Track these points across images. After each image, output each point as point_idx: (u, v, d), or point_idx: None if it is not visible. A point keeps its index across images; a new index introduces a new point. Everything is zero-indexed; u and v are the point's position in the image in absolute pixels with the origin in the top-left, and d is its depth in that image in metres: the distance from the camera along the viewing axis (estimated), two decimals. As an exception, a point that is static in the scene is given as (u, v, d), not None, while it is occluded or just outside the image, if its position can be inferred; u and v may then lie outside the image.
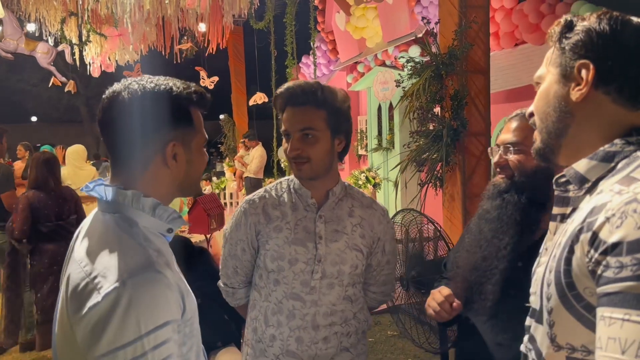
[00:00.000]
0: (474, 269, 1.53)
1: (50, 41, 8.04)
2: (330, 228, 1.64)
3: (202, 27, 8.56)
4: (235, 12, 7.94)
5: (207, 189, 8.18)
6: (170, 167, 1.06)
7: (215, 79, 9.08)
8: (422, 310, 3.20)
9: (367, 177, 6.20)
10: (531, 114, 1.01)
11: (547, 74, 0.96)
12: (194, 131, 1.11)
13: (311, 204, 1.65)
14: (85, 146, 9.78)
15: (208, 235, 4.58)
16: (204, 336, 2.50)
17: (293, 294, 1.61)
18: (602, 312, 0.76)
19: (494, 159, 1.56)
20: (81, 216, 4.04)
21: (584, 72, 0.89)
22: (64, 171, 6.19)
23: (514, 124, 1.55)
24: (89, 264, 0.96)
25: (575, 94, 0.90)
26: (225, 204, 9.03)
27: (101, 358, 0.89)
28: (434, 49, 4.16)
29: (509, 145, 1.53)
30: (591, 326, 0.80)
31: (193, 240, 5.12)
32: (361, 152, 8.70)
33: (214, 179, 9.50)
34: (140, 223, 1.04)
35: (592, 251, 0.79)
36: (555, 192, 0.96)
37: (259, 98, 8.64)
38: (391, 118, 7.67)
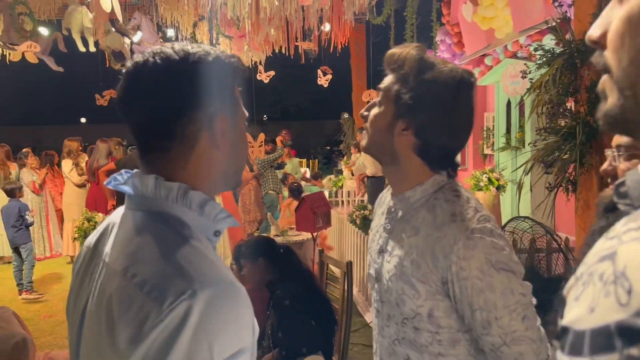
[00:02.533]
0: None
1: (186, 45, 8.59)
2: (391, 243, 1.29)
3: (325, 26, 8.61)
4: (355, 9, 7.87)
5: (322, 188, 8.18)
6: (220, 148, 0.87)
7: (329, 77, 9.10)
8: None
9: (489, 179, 5.72)
10: None
11: None
12: (238, 104, 0.93)
13: (391, 205, 1.33)
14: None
15: (314, 234, 4.52)
16: (288, 341, 2.41)
17: (373, 307, 1.39)
18: None
19: (603, 165, 1.22)
20: None
21: None
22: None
23: None
24: (139, 275, 0.76)
25: None
26: (342, 202, 8.99)
27: None
28: (567, 36, 3.68)
29: (617, 149, 1.20)
30: None
31: (297, 238, 5.13)
32: (487, 151, 8.15)
33: (332, 177, 9.53)
34: (189, 223, 0.84)
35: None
36: (620, 206, 0.65)
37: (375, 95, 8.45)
38: (522, 114, 7.07)
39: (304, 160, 14.82)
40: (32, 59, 7.82)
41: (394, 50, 1.26)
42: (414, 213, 1.25)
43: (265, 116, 31.85)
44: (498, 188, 5.74)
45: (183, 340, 0.69)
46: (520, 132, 7.03)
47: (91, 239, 0.96)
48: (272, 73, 9.29)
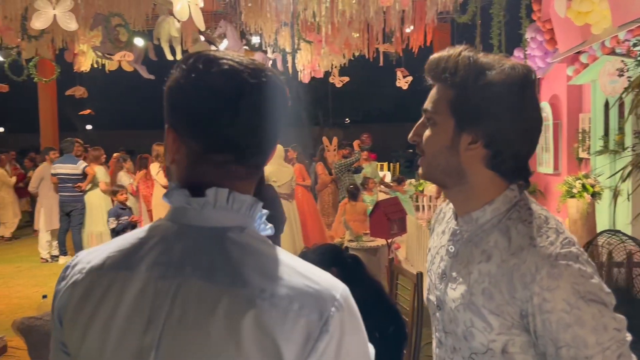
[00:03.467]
0: None
1: (270, 51, 8.76)
2: (456, 268, 1.14)
3: (407, 27, 8.46)
4: (439, 7, 7.66)
5: (397, 193, 7.98)
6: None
7: (410, 79, 8.89)
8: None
9: (583, 185, 5.31)
10: None
11: None
12: None
13: (455, 227, 1.19)
14: (304, 147, 10.53)
15: (389, 241, 4.40)
16: None
17: (434, 335, 1.27)
18: None
19: None
20: (276, 214, 4.23)
21: None
22: (270, 169, 6.67)
23: None
24: (279, 294, 0.76)
25: None
26: (422, 207, 8.77)
27: None
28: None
29: None
30: None
31: (370, 244, 5.03)
32: (582, 154, 7.60)
33: (412, 180, 9.30)
34: (251, 233, 0.86)
35: None
36: None
37: None
38: (621, 115, 6.52)
39: (385, 164, 14.66)
40: (127, 67, 8.33)
41: (439, 56, 1.12)
42: (484, 236, 1.11)
43: (347, 119, 31.95)
44: (593, 195, 5.30)
45: (351, 343, 0.79)
46: (620, 135, 6.48)
47: (101, 260, 0.85)
48: (345, 79, 9.26)
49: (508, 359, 1.06)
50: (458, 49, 1.11)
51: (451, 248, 1.17)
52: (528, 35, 7.52)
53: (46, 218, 7.93)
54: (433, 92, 1.14)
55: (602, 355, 0.97)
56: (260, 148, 0.86)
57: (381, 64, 8.98)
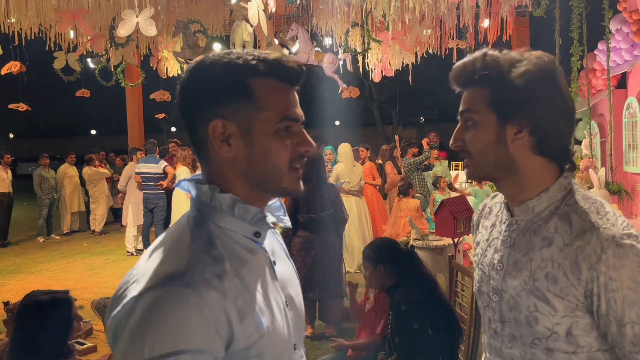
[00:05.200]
0: None
1: (340, 52, 8.84)
2: (514, 257, 1.18)
3: (483, 22, 8.23)
4: (514, 1, 7.42)
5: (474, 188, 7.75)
6: (221, 152, 0.90)
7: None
8: None
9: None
10: None
11: None
12: (254, 107, 0.90)
13: (506, 218, 1.23)
14: (377, 146, 10.48)
15: (455, 240, 4.31)
16: (403, 347, 2.33)
17: (486, 327, 1.29)
18: None
19: None
20: (337, 212, 4.30)
21: None
22: (340, 168, 6.73)
23: None
24: (136, 267, 0.88)
25: None
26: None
27: None
28: None
29: None
30: None
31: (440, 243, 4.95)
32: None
33: (487, 180, 9.00)
34: (219, 223, 0.91)
35: None
36: None
37: None
38: None
39: (460, 163, 14.30)
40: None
41: (463, 62, 1.17)
42: (542, 223, 1.15)
43: (422, 118, 31.43)
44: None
45: (126, 332, 0.79)
46: None
47: None
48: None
49: (572, 342, 1.09)
50: (480, 51, 1.17)
51: (507, 238, 1.20)
52: (612, 27, 7.10)
53: (133, 214, 8.41)
54: (466, 97, 1.20)
55: None
56: (196, 138, 0.94)
57: (454, 60, 8.80)
